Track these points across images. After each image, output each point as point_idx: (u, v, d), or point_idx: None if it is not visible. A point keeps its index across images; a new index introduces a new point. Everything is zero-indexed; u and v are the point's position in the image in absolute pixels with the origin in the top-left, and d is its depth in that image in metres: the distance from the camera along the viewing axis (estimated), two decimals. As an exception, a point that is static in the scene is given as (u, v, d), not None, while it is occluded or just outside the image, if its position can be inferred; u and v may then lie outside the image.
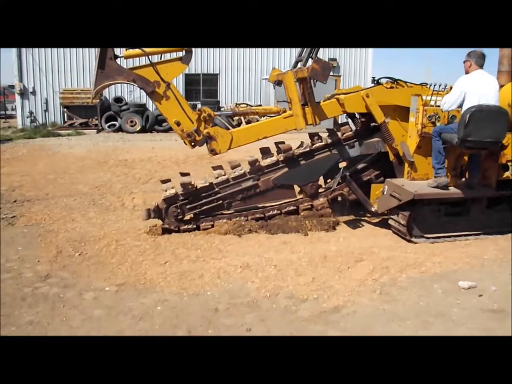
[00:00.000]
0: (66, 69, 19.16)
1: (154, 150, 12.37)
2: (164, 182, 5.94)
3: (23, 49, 18.51)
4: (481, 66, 5.41)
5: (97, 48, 5.05)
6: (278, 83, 6.11)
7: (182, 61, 5.36)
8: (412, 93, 5.88)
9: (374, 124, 6.13)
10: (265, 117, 6.59)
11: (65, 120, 18.76)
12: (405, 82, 6.10)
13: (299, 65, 5.97)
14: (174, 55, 5.43)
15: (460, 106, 5.32)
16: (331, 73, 6.73)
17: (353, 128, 6.36)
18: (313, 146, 6.03)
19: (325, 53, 20.26)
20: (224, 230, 5.70)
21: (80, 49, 18.78)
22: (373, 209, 5.93)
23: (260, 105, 17.03)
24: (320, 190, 6.23)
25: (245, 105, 9.24)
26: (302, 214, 6.05)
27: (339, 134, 6.13)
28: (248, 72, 20.82)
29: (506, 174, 5.74)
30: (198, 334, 3.48)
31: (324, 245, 5.39)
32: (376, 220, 6.33)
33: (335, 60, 20.89)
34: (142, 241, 5.46)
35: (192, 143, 5.57)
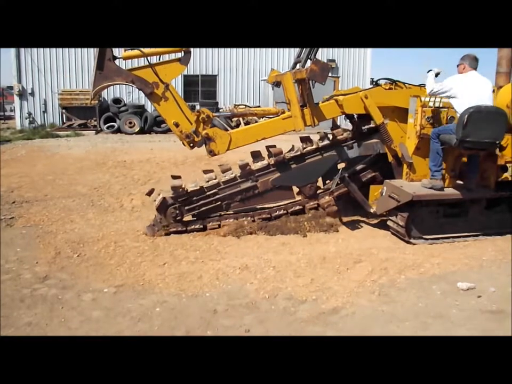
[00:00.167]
0: (65, 70, 19.14)
1: (153, 151, 12.36)
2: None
3: (22, 50, 18.51)
4: (475, 68, 5.45)
5: (96, 49, 5.05)
6: (277, 84, 6.11)
7: (180, 62, 5.36)
8: (410, 94, 5.89)
9: (366, 126, 6.12)
10: (264, 118, 6.58)
11: (64, 121, 18.73)
12: (404, 83, 6.12)
13: (298, 66, 5.97)
14: (172, 56, 5.42)
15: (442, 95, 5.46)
16: (330, 74, 6.73)
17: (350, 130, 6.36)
18: (304, 150, 6.01)
19: (323, 54, 20.27)
20: (223, 232, 5.71)
21: (79, 50, 18.79)
22: (371, 211, 5.93)
23: (259, 106, 17.05)
24: (319, 191, 6.23)
25: (244, 106, 9.23)
26: (308, 213, 6.05)
27: (330, 136, 6.13)
28: (246, 73, 20.82)
29: (505, 175, 5.75)
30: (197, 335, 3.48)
31: (323, 246, 5.39)
32: (375, 221, 6.33)
33: (333, 61, 20.91)
34: (141, 242, 5.45)
35: (191, 144, 5.56)
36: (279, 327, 3.63)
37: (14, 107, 20.31)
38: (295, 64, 6.12)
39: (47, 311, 3.82)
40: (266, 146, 6.09)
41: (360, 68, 21.87)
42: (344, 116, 6.27)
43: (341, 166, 6.27)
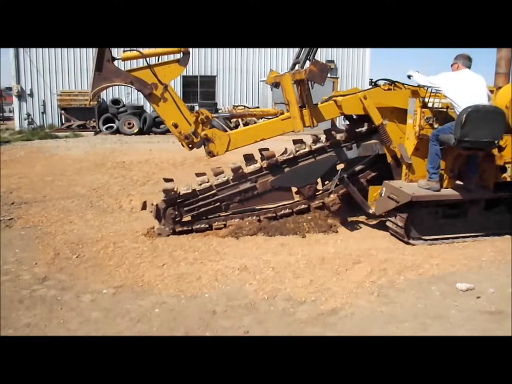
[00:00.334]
0: (64, 71, 19.13)
1: (152, 152, 12.36)
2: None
3: (21, 51, 18.50)
4: (468, 67, 5.46)
5: (94, 50, 5.04)
6: (276, 85, 6.11)
7: (179, 63, 5.35)
8: (409, 95, 5.89)
9: (359, 129, 6.14)
10: (262, 119, 6.57)
11: (63, 122, 18.70)
12: (403, 84, 6.11)
13: (297, 67, 5.96)
14: (171, 57, 5.42)
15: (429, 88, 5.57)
16: (329, 75, 6.73)
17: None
18: (297, 153, 6.00)
19: (322, 55, 20.29)
20: (221, 233, 5.71)
21: (78, 51, 18.80)
22: (370, 211, 5.93)
23: (258, 107, 17.08)
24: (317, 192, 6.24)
25: (243, 107, 9.25)
26: (314, 212, 6.07)
27: (323, 139, 6.13)
28: (245, 74, 20.83)
29: (504, 175, 5.75)
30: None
31: (322, 247, 5.39)
32: (374, 222, 6.33)
33: (332, 61, 20.94)
34: (140, 243, 5.45)
35: (190, 145, 5.56)
36: (278, 328, 3.62)
37: (13, 108, 20.29)
38: (294, 65, 6.12)
39: (46, 312, 3.82)
40: (259, 149, 6.08)
41: (359, 69, 21.89)
42: (343, 116, 6.27)
43: (340, 166, 6.28)
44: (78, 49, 18.60)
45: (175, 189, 5.72)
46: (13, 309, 3.85)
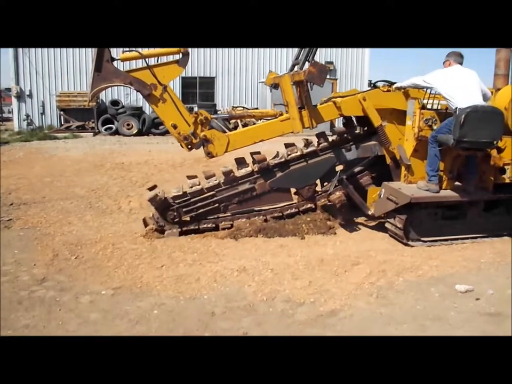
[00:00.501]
0: (63, 72, 19.12)
1: (151, 153, 12.34)
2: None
3: (20, 52, 18.49)
4: (460, 64, 5.47)
5: (94, 51, 5.04)
6: (275, 86, 6.11)
7: (178, 64, 5.36)
8: (408, 96, 5.89)
9: (355, 132, 6.16)
10: (262, 120, 6.57)
11: (62, 123, 18.69)
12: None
13: (296, 68, 5.97)
14: (170, 58, 5.42)
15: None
16: (328, 76, 6.74)
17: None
18: (289, 157, 5.98)
19: (321, 56, 20.29)
20: (220, 234, 5.70)
21: (77, 52, 18.80)
22: (369, 213, 5.93)
23: (257, 108, 17.05)
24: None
25: (242, 108, 9.26)
26: (319, 211, 6.09)
27: (315, 143, 6.14)
28: (244, 75, 20.83)
29: (503, 177, 5.75)
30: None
31: (321, 249, 5.38)
32: (373, 223, 6.34)
33: (331, 63, 20.94)
34: (139, 244, 5.45)
35: (189, 146, 5.56)
36: (277, 329, 3.62)
37: (12, 109, 20.29)
38: (293, 66, 6.12)
39: (45, 313, 3.81)
40: (250, 153, 6.05)
41: (358, 70, 21.89)
42: (342, 118, 6.27)
43: (339, 168, 6.28)
44: (77, 50, 18.62)
45: (159, 193, 5.69)
46: (12, 310, 3.84)
